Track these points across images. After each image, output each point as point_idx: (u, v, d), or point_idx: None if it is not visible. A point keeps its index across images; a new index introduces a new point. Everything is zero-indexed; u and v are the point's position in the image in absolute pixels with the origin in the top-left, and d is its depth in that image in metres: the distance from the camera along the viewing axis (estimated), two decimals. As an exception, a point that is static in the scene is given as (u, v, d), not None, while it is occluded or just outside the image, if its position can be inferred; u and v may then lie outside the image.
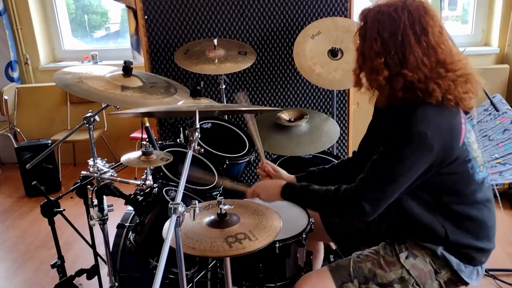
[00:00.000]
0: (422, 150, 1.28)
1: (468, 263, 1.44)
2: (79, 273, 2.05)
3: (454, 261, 1.42)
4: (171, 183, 1.86)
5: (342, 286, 1.43)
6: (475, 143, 1.41)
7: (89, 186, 1.87)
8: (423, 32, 1.30)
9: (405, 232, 1.49)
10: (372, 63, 1.35)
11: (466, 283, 1.45)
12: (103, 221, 1.85)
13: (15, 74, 4.40)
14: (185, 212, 1.12)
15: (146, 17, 2.78)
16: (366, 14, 1.38)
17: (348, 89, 2.93)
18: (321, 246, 1.94)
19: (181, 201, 1.12)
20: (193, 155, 1.28)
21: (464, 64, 1.36)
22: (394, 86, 1.34)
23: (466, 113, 1.44)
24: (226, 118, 2.58)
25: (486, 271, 2.38)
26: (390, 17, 1.31)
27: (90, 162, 1.85)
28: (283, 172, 1.76)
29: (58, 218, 1.97)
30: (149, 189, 1.79)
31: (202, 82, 1.86)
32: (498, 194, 1.56)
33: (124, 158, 1.68)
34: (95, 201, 1.82)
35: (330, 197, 1.41)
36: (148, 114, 1.88)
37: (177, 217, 1.10)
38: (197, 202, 1.17)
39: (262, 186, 1.60)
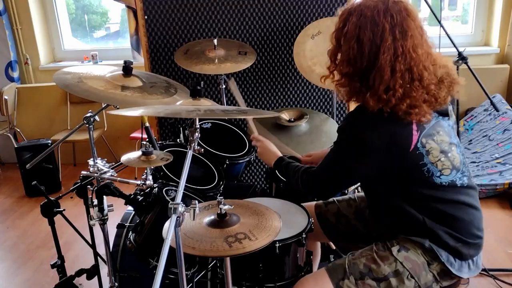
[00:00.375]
0: (360, 150, 1.36)
1: (457, 256, 1.43)
2: (79, 273, 2.05)
3: (443, 254, 1.42)
4: (171, 183, 1.86)
5: (338, 284, 1.44)
6: (437, 149, 1.39)
7: (89, 186, 1.87)
8: (403, 37, 1.31)
9: (395, 225, 1.50)
10: (345, 68, 1.40)
11: (459, 276, 1.45)
12: (103, 221, 1.85)
13: (15, 74, 4.41)
14: (185, 212, 1.12)
15: (146, 17, 2.78)
16: (346, 17, 1.37)
17: (348, 89, 2.93)
18: (318, 246, 1.94)
19: (181, 201, 1.12)
20: (193, 155, 1.28)
21: (433, 72, 1.35)
22: (348, 91, 1.42)
23: (445, 115, 1.44)
24: (226, 118, 2.58)
25: (486, 271, 2.39)
26: (372, 22, 1.31)
27: (90, 162, 1.85)
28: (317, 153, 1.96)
29: (58, 218, 1.97)
30: (149, 189, 1.79)
31: (202, 82, 1.86)
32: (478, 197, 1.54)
33: (124, 158, 1.68)
34: (95, 201, 1.82)
35: (298, 174, 1.58)
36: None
37: (177, 217, 1.10)
38: (197, 202, 1.17)
39: (266, 147, 1.79)
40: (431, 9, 2.41)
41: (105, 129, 4.25)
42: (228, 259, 1.41)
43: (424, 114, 1.34)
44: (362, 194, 1.80)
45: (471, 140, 3.82)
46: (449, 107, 1.47)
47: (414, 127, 1.36)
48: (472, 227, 1.45)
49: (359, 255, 1.49)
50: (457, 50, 2.27)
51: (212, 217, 1.40)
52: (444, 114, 1.44)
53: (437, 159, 1.39)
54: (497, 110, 2.46)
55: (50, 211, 1.94)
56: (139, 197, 1.77)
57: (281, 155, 1.75)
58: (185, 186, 1.39)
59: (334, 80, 1.48)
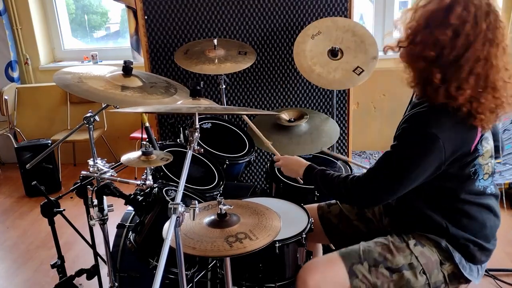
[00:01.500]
0: (432, 152, 1.31)
1: (469, 261, 1.46)
2: (79, 273, 2.05)
3: (457, 255, 1.44)
4: (171, 183, 1.86)
5: (352, 268, 1.44)
6: (489, 153, 1.42)
7: (89, 186, 1.87)
8: (491, 43, 1.29)
9: (409, 225, 1.51)
10: (429, 51, 1.31)
11: (468, 280, 1.46)
12: (103, 221, 1.85)
13: (15, 74, 4.41)
14: (184, 212, 1.12)
15: (146, 17, 2.78)
16: (450, 4, 1.30)
17: (348, 89, 2.93)
18: (320, 248, 1.94)
19: (181, 201, 1.12)
20: (193, 155, 1.28)
21: (505, 86, 1.35)
22: (421, 77, 1.35)
23: None
24: (226, 118, 2.58)
25: (486, 271, 2.39)
26: (474, 21, 1.28)
27: (90, 162, 1.85)
28: None
29: (58, 218, 1.97)
30: (149, 189, 1.79)
31: (202, 82, 1.86)
32: (504, 200, 1.58)
33: (124, 158, 1.68)
34: (95, 201, 1.82)
35: (338, 183, 1.47)
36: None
37: (177, 217, 1.10)
38: (196, 202, 1.17)
39: (287, 161, 1.73)
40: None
41: (105, 129, 4.25)
42: (228, 259, 1.41)
43: (488, 121, 1.35)
44: None
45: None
46: None
47: (479, 128, 1.37)
48: (490, 234, 1.48)
49: (374, 244, 1.49)
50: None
51: (212, 217, 1.40)
52: None
53: (485, 162, 1.42)
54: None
55: (50, 211, 1.94)
56: (139, 197, 1.77)
57: (307, 163, 1.64)
58: (185, 186, 1.39)
59: (405, 59, 1.41)
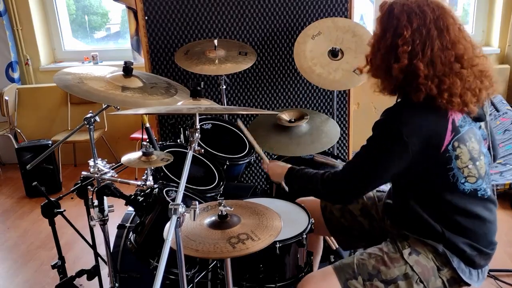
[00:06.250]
0: (396, 146, 1.34)
1: (468, 264, 1.44)
2: (80, 273, 2.05)
3: (455, 260, 1.43)
4: (171, 184, 1.86)
5: (346, 283, 1.43)
6: (466, 155, 1.39)
7: (89, 187, 1.87)
8: (445, 28, 1.35)
9: (407, 227, 1.50)
10: (397, 51, 1.36)
11: (468, 284, 1.46)
12: (103, 222, 1.85)
13: (16, 75, 4.41)
14: (185, 213, 1.12)
15: (146, 17, 2.78)
16: (391, 5, 1.39)
17: (349, 90, 2.93)
18: (321, 243, 1.93)
19: (181, 201, 1.12)
20: (193, 156, 1.29)
21: (482, 61, 1.40)
22: (405, 76, 1.36)
23: (478, 120, 1.44)
24: (227, 118, 2.58)
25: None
26: (419, 9, 1.34)
27: (91, 162, 1.85)
28: None
29: (58, 219, 1.97)
30: (149, 189, 1.79)
31: (202, 83, 1.86)
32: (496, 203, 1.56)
33: (124, 158, 1.68)
34: (96, 202, 1.82)
35: (316, 180, 1.52)
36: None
37: (178, 217, 1.10)
38: (197, 202, 1.17)
39: (273, 166, 1.77)
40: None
41: (106, 130, 4.25)
42: (228, 259, 1.41)
43: (472, 101, 1.36)
44: (369, 193, 1.80)
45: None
46: (485, 104, 1.47)
47: (450, 127, 1.37)
48: (485, 240, 1.47)
49: (368, 255, 1.48)
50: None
51: (213, 218, 1.40)
52: (478, 119, 1.45)
53: (464, 165, 1.40)
54: (497, 110, 2.46)
55: (50, 212, 1.94)
56: (139, 197, 1.77)
57: (288, 166, 1.69)
58: (186, 186, 1.39)
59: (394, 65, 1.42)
